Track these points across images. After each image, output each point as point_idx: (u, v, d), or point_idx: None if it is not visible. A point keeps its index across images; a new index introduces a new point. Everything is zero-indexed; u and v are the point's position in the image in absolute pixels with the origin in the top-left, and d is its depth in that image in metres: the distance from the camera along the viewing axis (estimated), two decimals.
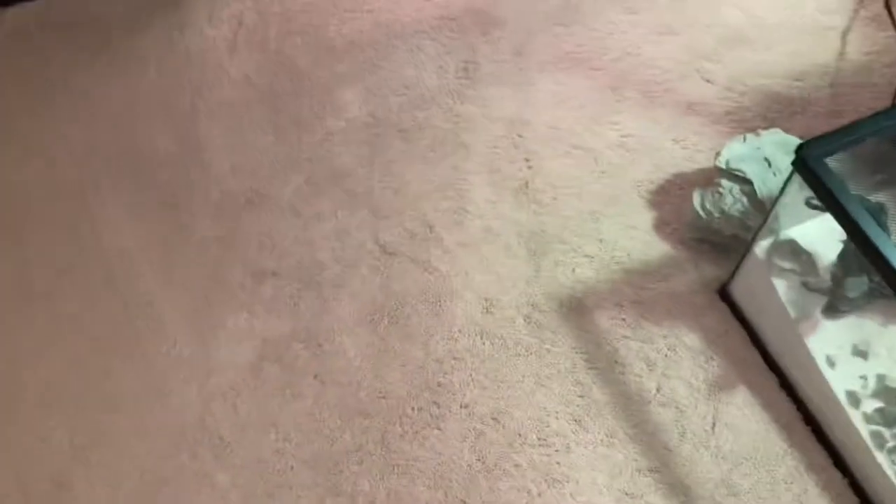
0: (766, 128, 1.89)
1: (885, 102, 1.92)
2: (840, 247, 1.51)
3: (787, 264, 1.54)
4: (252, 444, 1.61)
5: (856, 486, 1.51)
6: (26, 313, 1.77)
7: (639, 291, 1.73)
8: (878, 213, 1.43)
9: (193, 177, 1.95)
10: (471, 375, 1.65)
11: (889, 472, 1.40)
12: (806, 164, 1.28)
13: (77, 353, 1.72)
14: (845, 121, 1.89)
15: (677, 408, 1.61)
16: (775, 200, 1.43)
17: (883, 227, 1.29)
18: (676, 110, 1.96)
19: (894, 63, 1.98)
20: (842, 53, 2.02)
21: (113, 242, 1.86)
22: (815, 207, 1.44)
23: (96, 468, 1.60)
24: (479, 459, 1.57)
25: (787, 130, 1.84)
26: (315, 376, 1.67)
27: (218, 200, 1.91)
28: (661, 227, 1.81)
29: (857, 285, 1.43)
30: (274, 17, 2.19)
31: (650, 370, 1.65)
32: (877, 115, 1.31)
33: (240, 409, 1.64)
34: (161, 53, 2.15)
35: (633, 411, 1.61)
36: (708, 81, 2.00)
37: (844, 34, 2.05)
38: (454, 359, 1.67)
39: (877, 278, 1.45)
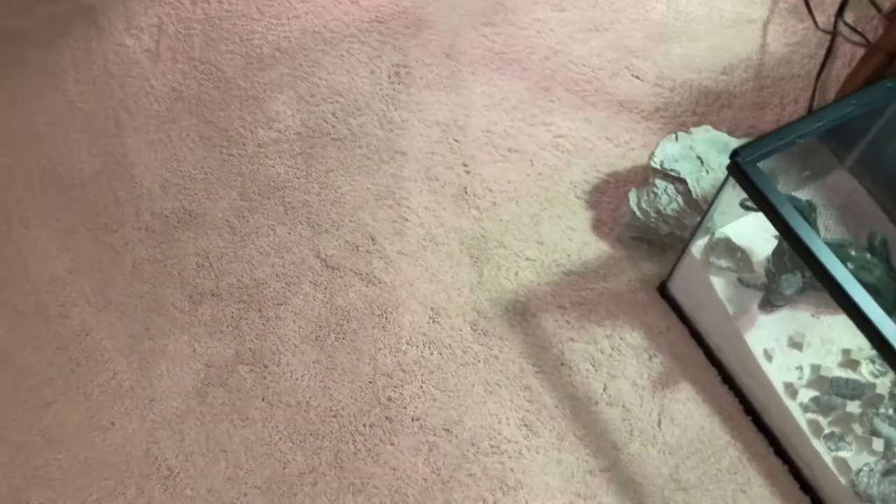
0: (696, 123, 1.93)
1: (806, 93, 1.98)
2: (773, 242, 1.55)
3: (723, 262, 1.58)
4: (202, 473, 1.57)
5: (796, 473, 1.57)
6: None
7: (580, 292, 1.75)
8: (807, 211, 1.48)
9: (122, 196, 1.88)
10: (421, 387, 1.65)
11: (826, 457, 1.46)
12: (740, 169, 1.31)
13: (8, 389, 1.65)
14: (770, 113, 1.96)
15: (624, 406, 1.64)
16: (710, 204, 1.47)
17: (813, 225, 1.33)
18: (608, 108, 1.98)
19: (814, 54, 2.04)
20: (763, 45, 2.07)
21: (42, 270, 1.79)
22: (749, 209, 1.48)
23: None
24: (433, 472, 1.57)
25: (715, 124, 1.88)
26: (262, 398, 1.64)
27: (149, 220, 1.85)
28: (598, 227, 1.83)
29: (792, 283, 1.48)
30: (197, 24, 2.12)
31: (596, 371, 1.67)
32: (806, 118, 1.34)
33: (187, 438, 1.61)
34: (79, 67, 2.06)
35: (581, 413, 1.63)
36: (637, 78, 2.03)
37: (765, 26, 2.10)
38: (403, 371, 1.67)
39: (809, 273, 1.50)
